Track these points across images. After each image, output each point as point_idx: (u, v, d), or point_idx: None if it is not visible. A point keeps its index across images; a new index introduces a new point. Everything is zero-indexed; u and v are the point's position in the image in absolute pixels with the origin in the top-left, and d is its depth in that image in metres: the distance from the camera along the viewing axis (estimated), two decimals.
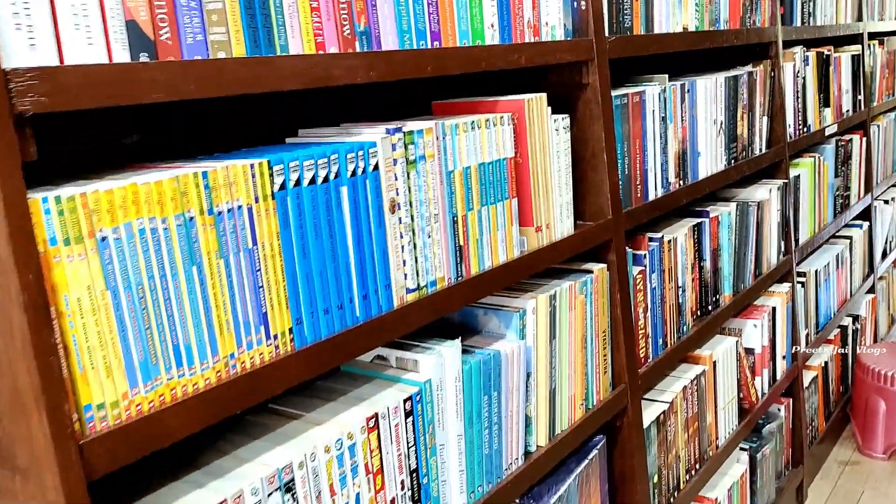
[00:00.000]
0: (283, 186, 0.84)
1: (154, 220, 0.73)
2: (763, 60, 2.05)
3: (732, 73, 1.87)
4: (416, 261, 1.02)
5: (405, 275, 1.00)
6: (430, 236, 1.04)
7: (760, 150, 2.04)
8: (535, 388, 1.25)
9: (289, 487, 0.85)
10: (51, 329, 0.65)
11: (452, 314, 1.27)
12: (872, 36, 3.03)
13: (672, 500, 1.66)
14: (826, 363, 2.57)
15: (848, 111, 2.71)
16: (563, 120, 1.31)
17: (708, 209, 1.80)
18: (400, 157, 0.98)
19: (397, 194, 0.98)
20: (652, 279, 1.57)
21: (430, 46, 1.05)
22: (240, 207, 0.80)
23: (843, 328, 2.73)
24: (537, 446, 1.27)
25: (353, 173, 0.92)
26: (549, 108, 1.27)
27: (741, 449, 2.00)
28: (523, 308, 1.22)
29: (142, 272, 0.72)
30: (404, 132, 0.99)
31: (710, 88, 1.75)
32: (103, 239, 0.69)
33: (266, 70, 0.82)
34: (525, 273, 1.22)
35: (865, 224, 2.94)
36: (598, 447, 1.44)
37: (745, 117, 1.93)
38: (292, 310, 0.86)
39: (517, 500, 1.24)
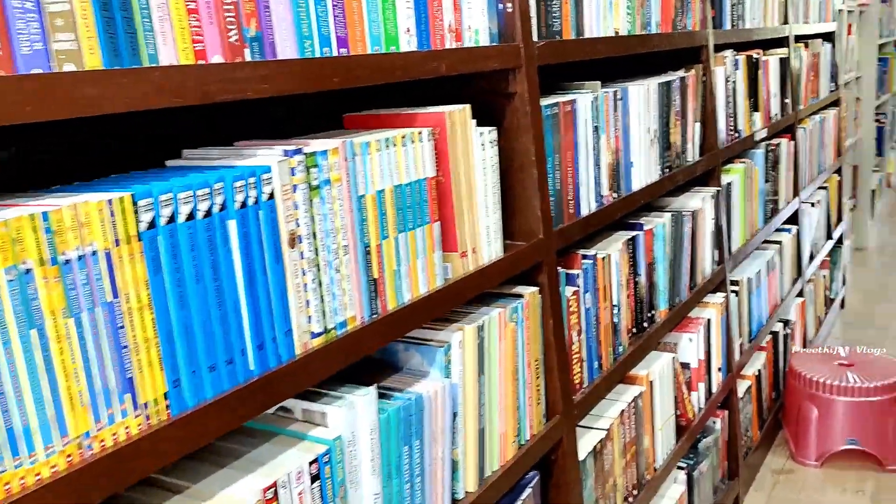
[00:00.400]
0: (152, 224, 0.70)
1: None
2: (694, 65, 1.99)
3: (664, 78, 1.79)
4: (323, 300, 0.89)
5: (309, 317, 0.87)
6: (338, 271, 0.91)
7: (694, 157, 1.98)
8: (463, 429, 1.13)
9: None
10: None
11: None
12: (798, 39, 3.02)
13: None
14: (759, 371, 2.53)
15: (776, 115, 2.69)
16: (490, 133, 1.19)
17: (642, 221, 1.72)
18: (301, 183, 0.85)
19: (298, 225, 0.85)
20: (586, 299, 1.47)
21: (335, 54, 0.92)
22: (94, 253, 0.66)
23: (775, 334, 2.71)
24: (466, 492, 1.16)
25: (244, 204, 0.79)
26: (474, 121, 1.15)
27: (678, 468, 1.93)
28: (448, 342, 1.10)
29: None
30: (306, 153, 0.85)
31: (642, 95, 1.66)
32: None
33: (126, 85, 0.68)
34: (450, 304, 1.10)
35: (794, 228, 2.93)
36: (532, 485, 1.33)
37: (678, 124, 1.86)
38: (168, 370, 0.72)
39: None
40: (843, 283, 3.97)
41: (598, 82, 1.52)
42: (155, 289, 0.70)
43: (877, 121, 5.07)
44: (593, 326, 1.50)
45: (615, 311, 1.58)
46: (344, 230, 0.91)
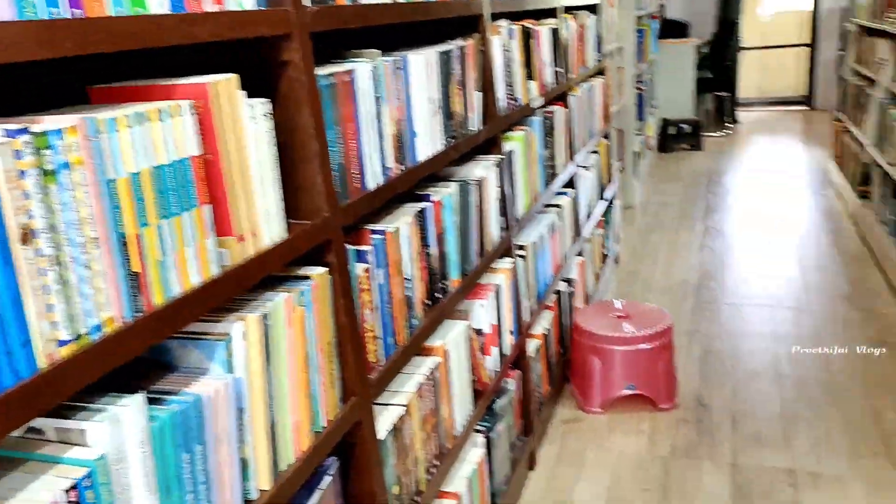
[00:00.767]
0: None
1: None
2: (472, 34, 2.00)
3: (444, 47, 1.78)
4: (70, 302, 0.77)
5: (54, 323, 0.75)
6: (88, 267, 0.79)
7: (476, 126, 1.99)
8: (252, 425, 1.05)
9: None
10: None
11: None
12: (566, 10, 3.16)
13: None
14: (547, 329, 2.66)
15: (550, 83, 2.80)
16: (262, 105, 1.10)
17: (429, 192, 1.71)
18: (31, 168, 0.72)
19: (31, 218, 0.72)
20: (378, 275, 1.43)
21: (67, 16, 0.79)
22: None
23: (559, 293, 2.86)
24: (260, 491, 1.08)
25: None
26: (244, 92, 1.05)
27: (477, 431, 1.97)
28: (229, 334, 1.01)
29: None
30: (33, 133, 0.73)
31: (423, 64, 1.64)
32: None
33: None
34: (229, 293, 1.01)
35: (571, 191, 3.09)
36: (331, 472, 1.28)
37: (459, 94, 1.86)
38: None
39: None
40: (616, 241, 4.28)
41: (378, 51, 1.47)
42: None
43: (637, 88, 5.49)
44: (387, 302, 1.47)
45: (408, 285, 1.56)
46: (92, 220, 0.79)
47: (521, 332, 2.31)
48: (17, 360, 0.71)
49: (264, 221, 1.10)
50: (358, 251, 1.37)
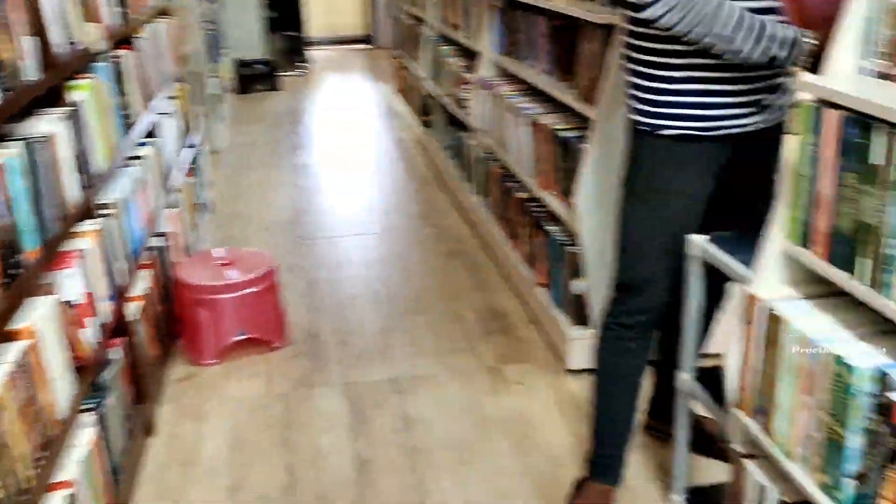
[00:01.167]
0: None
1: None
2: None
3: None
4: None
5: None
6: None
7: (34, 75, 1.76)
8: None
9: None
10: None
11: None
12: None
13: None
14: (148, 289, 2.52)
15: (113, 25, 2.58)
16: None
17: None
18: None
19: None
20: None
21: None
22: None
23: (156, 249, 2.72)
24: None
25: None
26: None
27: (84, 411, 1.82)
28: None
29: None
30: None
31: None
32: None
33: None
34: None
35: (154, 140, 2.93)
36: None
37: (6, 39, 1.62)
38: None
39: None
40: (207, 188, 4.19)
41: None
42: None
43: (207, 29, 5.33)
44: None
45: None
46: None
47: (119, 296, 2.16)
48: None
49: None
50: None
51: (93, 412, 1.84)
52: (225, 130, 5.59)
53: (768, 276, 1.42)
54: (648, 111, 1.66)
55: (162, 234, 2.86)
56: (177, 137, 3.44)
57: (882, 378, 1.14)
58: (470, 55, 4.02)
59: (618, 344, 1.81)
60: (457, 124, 4.24)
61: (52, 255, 1.71)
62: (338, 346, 2.82)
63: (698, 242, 1.64)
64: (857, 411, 1.18)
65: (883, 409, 1.13)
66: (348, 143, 5.56)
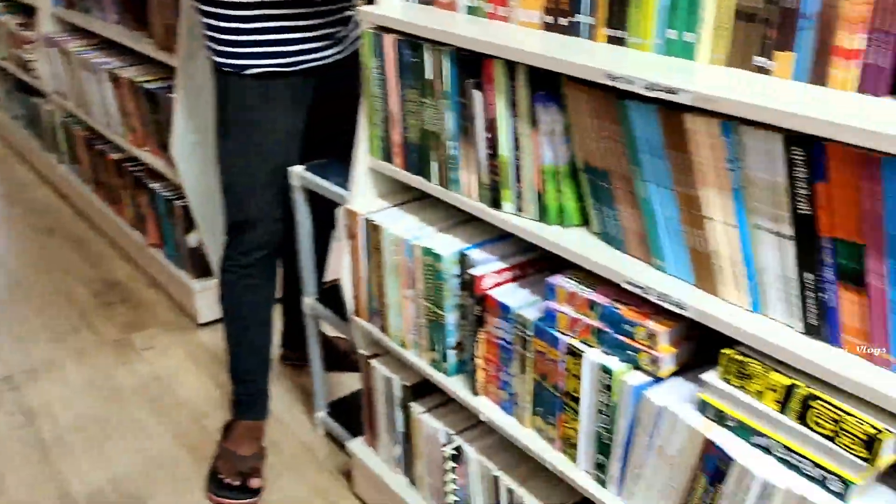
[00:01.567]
0: None
1: None
2: None
3: None
4: None
5: None
6: None
7: None
8: None
9: None
10: None
11: None
12: None
13: None
14: None
15: None
16: None
17: None
18: None
19: None
20: None
21: None
22: None
23: None
24: None
25: None
26: None
27: None
28: None
29: None
30: None
31: None
32: None
33: None
34: None
35: None
36: None
37: None
38: None
39: None
40: None
41: None
42: None
43: None
44: None
45: None
46: None
47: None
48: None
49: None
50: None
51: None
52: None
53: (362, 192, 1.57)
54: (230, 52, 1.68)
55: None
56: None
57: (462, 259, 1.36)
58: (27, 11, 3.59)
59: (241, 283, 1.85)
60: (27, 90, 3.78)
61: None
62: None
63: (298, 172, 1.74)
64: (448, 292, 1.38)
65: (467, 284, 1.35)
66: None
